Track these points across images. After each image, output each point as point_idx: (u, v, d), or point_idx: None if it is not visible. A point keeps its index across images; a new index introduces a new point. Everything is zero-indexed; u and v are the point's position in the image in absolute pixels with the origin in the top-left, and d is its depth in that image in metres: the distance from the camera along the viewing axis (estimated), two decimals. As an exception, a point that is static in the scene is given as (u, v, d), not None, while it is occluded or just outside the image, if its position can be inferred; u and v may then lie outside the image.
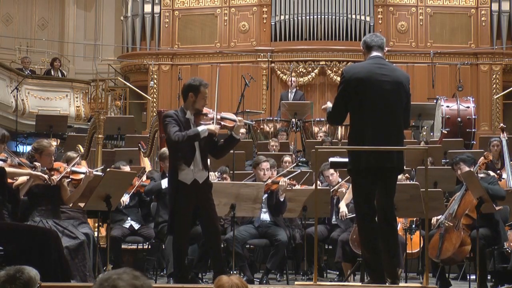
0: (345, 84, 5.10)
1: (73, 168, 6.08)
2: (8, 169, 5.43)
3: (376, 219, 5.11)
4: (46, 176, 5.68)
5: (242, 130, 5.53)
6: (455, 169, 6.79)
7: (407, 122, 5.38)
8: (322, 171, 7.63)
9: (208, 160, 5.76)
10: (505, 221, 6.75)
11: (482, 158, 6.78)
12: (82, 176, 6.04)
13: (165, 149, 7.45)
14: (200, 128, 5.41)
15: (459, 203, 6.53)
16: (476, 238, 6.15)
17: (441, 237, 6.46)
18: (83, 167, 6.39)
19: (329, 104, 5.35)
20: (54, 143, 6.64)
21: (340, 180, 7.54)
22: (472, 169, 6.56)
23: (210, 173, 6.06)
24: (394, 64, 6.01)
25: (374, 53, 5.19)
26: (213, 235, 5.60)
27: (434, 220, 6.77)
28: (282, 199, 7.13)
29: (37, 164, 5.71)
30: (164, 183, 7.02)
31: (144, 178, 7.68)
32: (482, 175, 6.68)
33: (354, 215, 7.05)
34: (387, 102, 5.06)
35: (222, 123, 5.57)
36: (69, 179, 6.07)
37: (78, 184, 6.08)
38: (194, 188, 5.49)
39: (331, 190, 7.40)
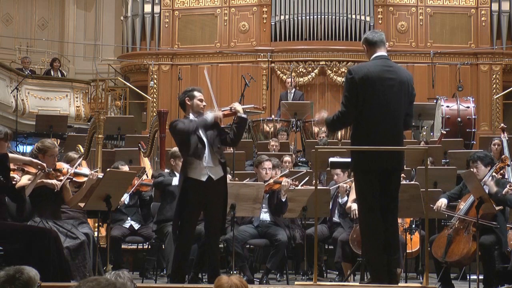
0: (354, 83, 5.06)
1: (76, 170, 6.06)
2: (10, 154, 5.41)
3: (380, 217, 5.12)
4: (54, 181, 5.69)
5: (241, 108, 5.75)
6: (471, 166, 6.63)
7: (410, 122, 5.37)
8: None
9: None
10: (506, 221, 6.74)
11: (500, 162, 6.75)
12: (85, 179, 6.00)
13: (177, 148, 7.45)
14: (207, 116, 5.63)
15: (470, 206, 6.39)
16: (483, 244, 6.16)
17: (449, 238, 6.39)
18: (85, 168, 6.38)
19: (324, 114, 5.35)
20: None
21: (347, 179, 7.53)
22: (488, 170, 6.54)
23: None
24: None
25: (379, 52, 5.17)
26: (211, 236, 5.73)
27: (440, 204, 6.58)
28: (283, 200, 7.12)
29: (43, 164, 5.68)
30: (175, 180, 6.96)
31: (144, 177, 7.69)
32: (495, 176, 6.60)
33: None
34: (395, 103, 5.10)
35: (223, 113, 5.83)
36: (71, 179, 6.05)
37: (79, 184, 6.07)
38: (207, 185, 5.60)
39: (336, 186, 7.39)
